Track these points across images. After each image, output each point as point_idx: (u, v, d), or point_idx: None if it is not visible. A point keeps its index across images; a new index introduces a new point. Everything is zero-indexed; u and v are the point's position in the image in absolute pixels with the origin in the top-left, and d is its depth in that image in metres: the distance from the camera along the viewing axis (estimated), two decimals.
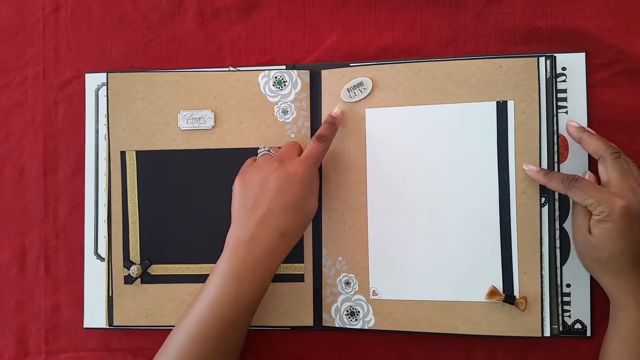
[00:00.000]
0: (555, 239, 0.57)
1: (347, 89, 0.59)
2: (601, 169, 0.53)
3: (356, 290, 0.59)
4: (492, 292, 0.56)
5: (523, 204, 0.56)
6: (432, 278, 0.58)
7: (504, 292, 0.56)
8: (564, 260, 0.57)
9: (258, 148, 0.59)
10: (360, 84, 0.59)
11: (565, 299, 0.57)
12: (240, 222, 0.53)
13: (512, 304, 0.56)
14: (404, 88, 0.58)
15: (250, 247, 0.52)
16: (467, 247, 0.57)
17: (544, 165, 0.56)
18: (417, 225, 0.58)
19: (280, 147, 0.58)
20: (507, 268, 0.56)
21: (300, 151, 0.57)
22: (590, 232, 0.52)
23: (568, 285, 0.57)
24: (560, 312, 0.57)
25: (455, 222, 0.57)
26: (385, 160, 0.59)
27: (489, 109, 0.57)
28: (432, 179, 0.58)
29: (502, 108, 0.57)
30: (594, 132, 0.56)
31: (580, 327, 0.57)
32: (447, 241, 0.58)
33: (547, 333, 0.56)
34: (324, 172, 0.60)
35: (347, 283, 0.59)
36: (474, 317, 0.57)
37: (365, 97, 0.59)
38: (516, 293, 0.56)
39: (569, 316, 0.57)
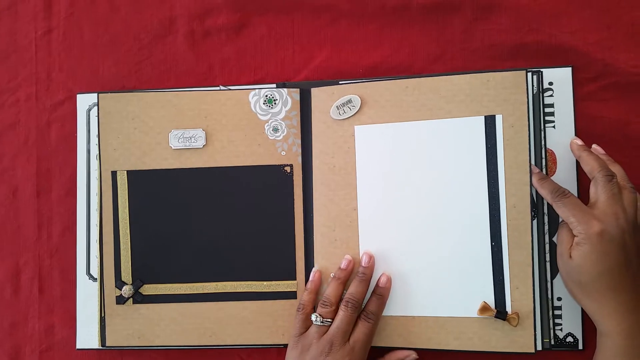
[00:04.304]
0: (545, 253, 0.57)
1: (337, 107, 0.59)
2: (592, 190, 0.53)
3: None
4: (484, 308, 0.56)
5: (514, 218, 0.56)
6: (423, 294, 0.58)
7: (496, 308, 0.56)
8: (554, 274, 0.57)
9: (313, 315, 0.56)
10: (349, 101, 0.59)
11: (557, 312, 0.57)
12: None
13: (503, 319, 0.55)
14: (392, 105, 0.59)
15: None
16: (459, 263, 0.57)
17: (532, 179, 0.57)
18: (408, 241, 0.58)
19: (330, 312, 0.56)
20: (499, 283, 0.56)
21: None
22: (570, 255, 0.52)
23: (559, 299, 0.57)
24: (551, 325, 0.57)
25: (446, 237, 0.58)
26: (375, 176, 0.59)
27: (477, 124, 0.57)
28: (422, 195, 0.58)
29: (490, 122, 0.57)
30: (601, 151, 0.57)
31: (572, 340, 0.57)
32: (438, 257, 0.58)
33: (539, 347, 0.56)
34: (314, 188, 0.60)
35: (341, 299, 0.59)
36: (467, 333, 0.57)
37: (355, 114, 0.59)
38: (508, 308, 0.56)
39: (561, 330, 0.57)
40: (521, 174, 0.56)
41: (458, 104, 0.58)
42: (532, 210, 0.56)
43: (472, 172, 0.57)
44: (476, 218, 0.57)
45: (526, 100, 0.56)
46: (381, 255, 0.59)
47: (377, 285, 0.58)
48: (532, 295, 0.55)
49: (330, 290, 0.57)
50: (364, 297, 0.57)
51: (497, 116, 0.57)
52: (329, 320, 0.56)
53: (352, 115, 0.59)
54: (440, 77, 0.58)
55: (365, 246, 0.59)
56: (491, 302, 0.56)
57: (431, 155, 0.58)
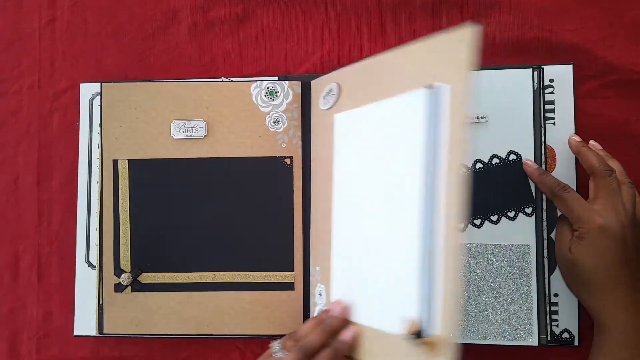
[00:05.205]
0: (543, 249, 0.57)
1: (322, 97, 0.58)
2: (591, 185, 0.53)
3: (325, 302, 0.57)
4: (411, 325, 0.44)
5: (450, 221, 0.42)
6: (381, 298, 0.48)
7: (418, 327, 0.43)
8: (551, 270, 0.58)
9: (276, 342, 0.53)
10: (331, 90, 0.58)
11: (553, 308, 0.58)
12: None
13: (418, 338, 0.43)
14: (360, 87, 0.54)
15: None
16: (383, 270, 0.49)
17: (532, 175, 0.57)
18: (364, 234, 0.52)
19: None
20: (425, 298, 0.44)
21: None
22: (570, 250, 0.52)
23: (556, 295, 0.58)
24: (548, 321, 0.57)
25: (377, 237, 0.50)
26: (343, 166, 0.55)
27: (418, 99, 0.45)
28: (363, 186, 0.52)
29: (433, 95, 0.44)
30: (599, 147, 0.57)
31: (568, 336, 0.57)
32: (370, 261, 0.50)
33: (535, 342, 0.56)
34: (311, 181, 0.60)
35: (320, 294, 0.58)
36: (384, 349, 0.48)
37: (336, 102, 0.57)
38: (436, 330, 0.42)
39: (557, 325, 0.57)
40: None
41: (404, 77, 0.46)
42: (530, 206, 0.56)
43: (407, 157, 0.46)
44: (405, 211, 0.46)
45: (470, 62, 0.39)
46: (346, 248, 0.54)
47: (338, 337, 0.50)
48: (459, 316, 0.45)
49: (306, 328, 0.52)
50: (322, 347, 0.50)
51: (441, 85, 0.42)
52: (287, 353, 0.50)
53: (334, 105, 0.57)
54: (404, 48, 0.48)
55: (335, 239, 0.55)
56: (416, 318, 0.44)
57: (371, 144, 0.51)
